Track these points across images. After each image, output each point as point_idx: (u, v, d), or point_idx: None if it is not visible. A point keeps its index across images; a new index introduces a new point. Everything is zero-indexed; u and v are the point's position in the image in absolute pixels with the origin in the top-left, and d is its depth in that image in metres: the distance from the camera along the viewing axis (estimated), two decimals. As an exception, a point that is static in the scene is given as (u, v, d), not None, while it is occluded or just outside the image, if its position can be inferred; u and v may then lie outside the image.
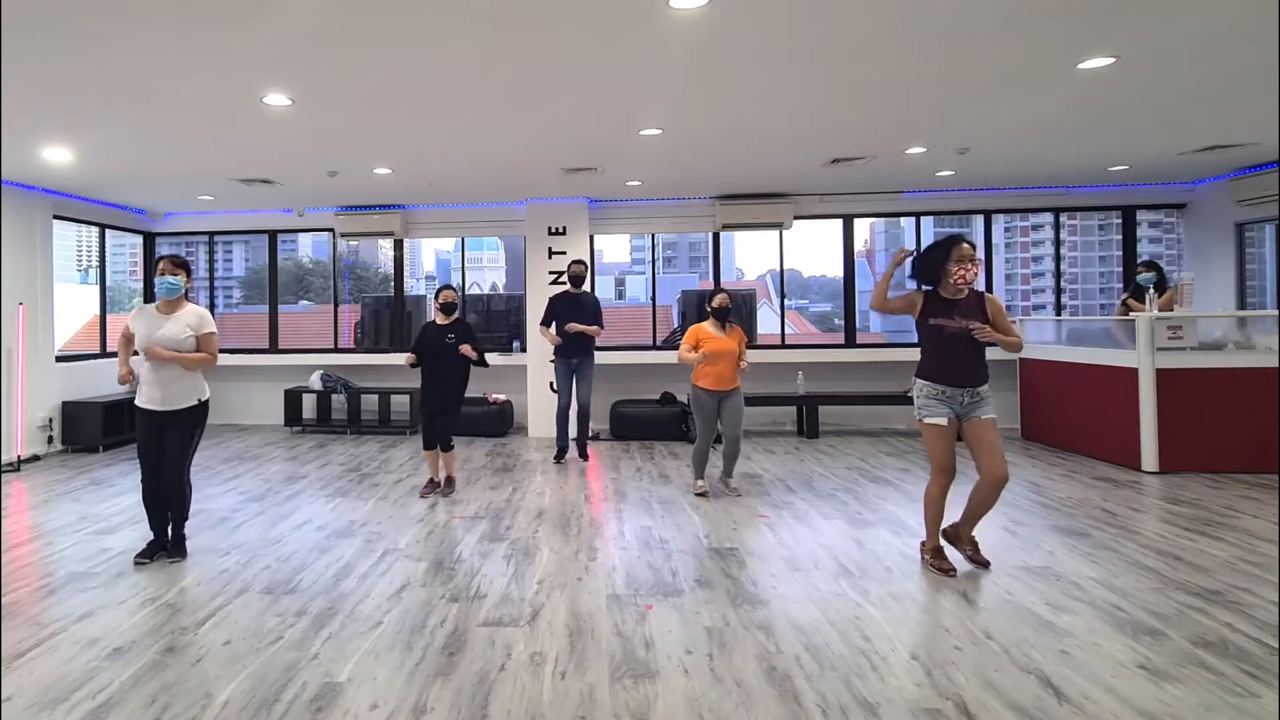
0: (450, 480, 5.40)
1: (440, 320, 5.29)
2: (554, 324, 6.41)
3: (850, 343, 8.39)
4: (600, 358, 7.93)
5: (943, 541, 3.78)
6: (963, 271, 3.52)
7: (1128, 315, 6.05)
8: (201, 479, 5.89)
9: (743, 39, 3.54)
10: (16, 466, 6.48)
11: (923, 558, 3.78)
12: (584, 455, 6.57)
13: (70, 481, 5.92)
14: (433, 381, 5.24)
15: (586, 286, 7.54)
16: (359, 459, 6.76)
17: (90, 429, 7.16)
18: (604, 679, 2.63)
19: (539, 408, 8.02)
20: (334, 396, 8.42)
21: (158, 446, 3.87)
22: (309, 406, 8.53)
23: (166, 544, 3.98)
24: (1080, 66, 3.96)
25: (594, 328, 6.36)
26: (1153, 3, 3.22)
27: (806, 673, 2.66)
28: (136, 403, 3.90)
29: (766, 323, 9.72)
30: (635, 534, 4.38)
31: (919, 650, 2.82)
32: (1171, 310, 5.92)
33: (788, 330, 8.95)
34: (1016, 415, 7.46)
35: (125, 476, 6.04)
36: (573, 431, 6.64)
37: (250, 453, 7.10)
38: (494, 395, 8.16)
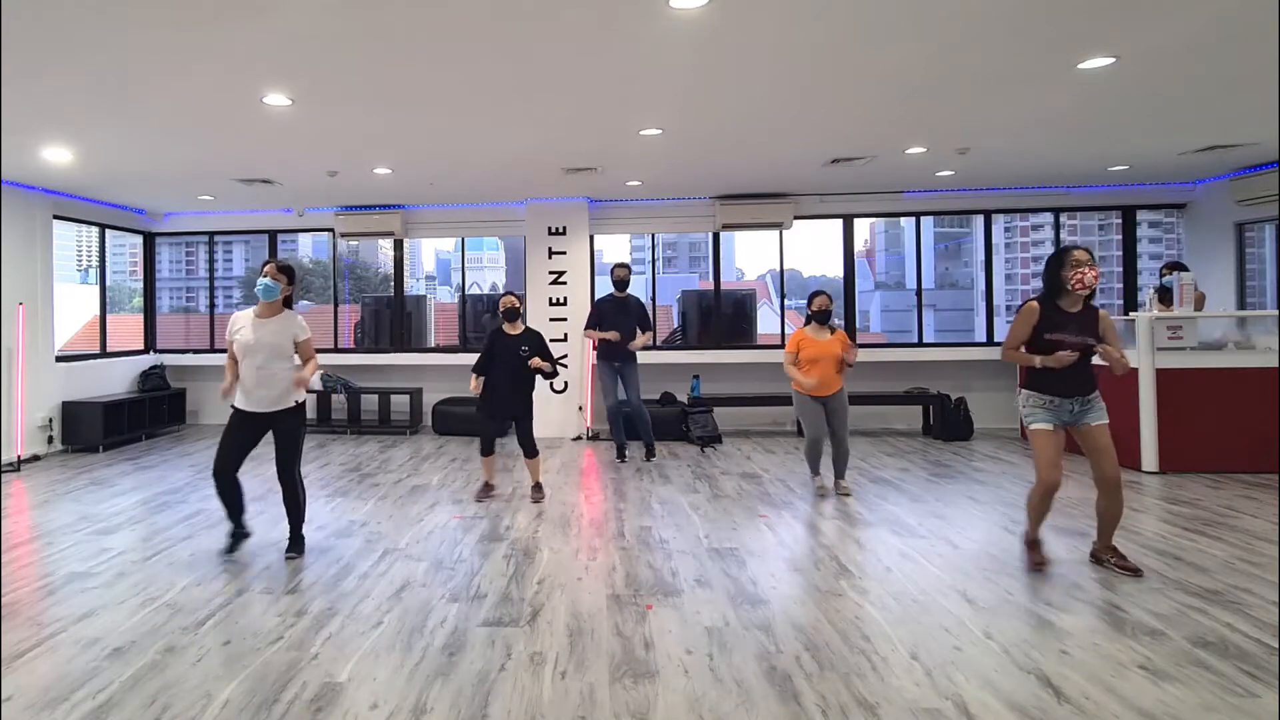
0: (538, 486, 5.26)
1: (509, 329, 5.13)
2: (599, 329, 6.43)
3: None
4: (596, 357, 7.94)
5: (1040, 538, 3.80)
6: (1081, 274, 3.49)
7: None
8: (202, 479, 5.90)
9: (743, 39, 3.54)
10: (16, 466, 6.48)
11: (1025, 549, 3.83)
12: (650, 454, 6.55)
13: (70, 481, 5.92)
14: (507, 390, 5.07)
15: (585, 288, 7.56)
16: (359, 459, 6.76)
17: (90, 429, 7.16)
18: (604, 679, 2.63)
19: (539, 408, 7.98)
20: (334, 396, 8.42)
21: (242, 446, 3.96)
22: (309, 406, 8.51)
23: (246, 533, 4.12)
24: (1080, 66, 3.96)
25: (643, 339, 6.34)
26: (1153, 3, 3.22)
27: (806, 673, 2.66)
28: (235, 404, 3.97)
29: (766, 323, 9.72)
30: (635, 534, 4.38)
31: (919, 650, 2.82)
32: (1202, 309, 5.92)
33: (788, 330, 8.94)
34: (1016, 415, 7.44)
35: (125, 476, 6.04)
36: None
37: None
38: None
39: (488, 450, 5.21)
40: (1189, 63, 3.98)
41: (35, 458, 6.86)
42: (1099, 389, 3.62)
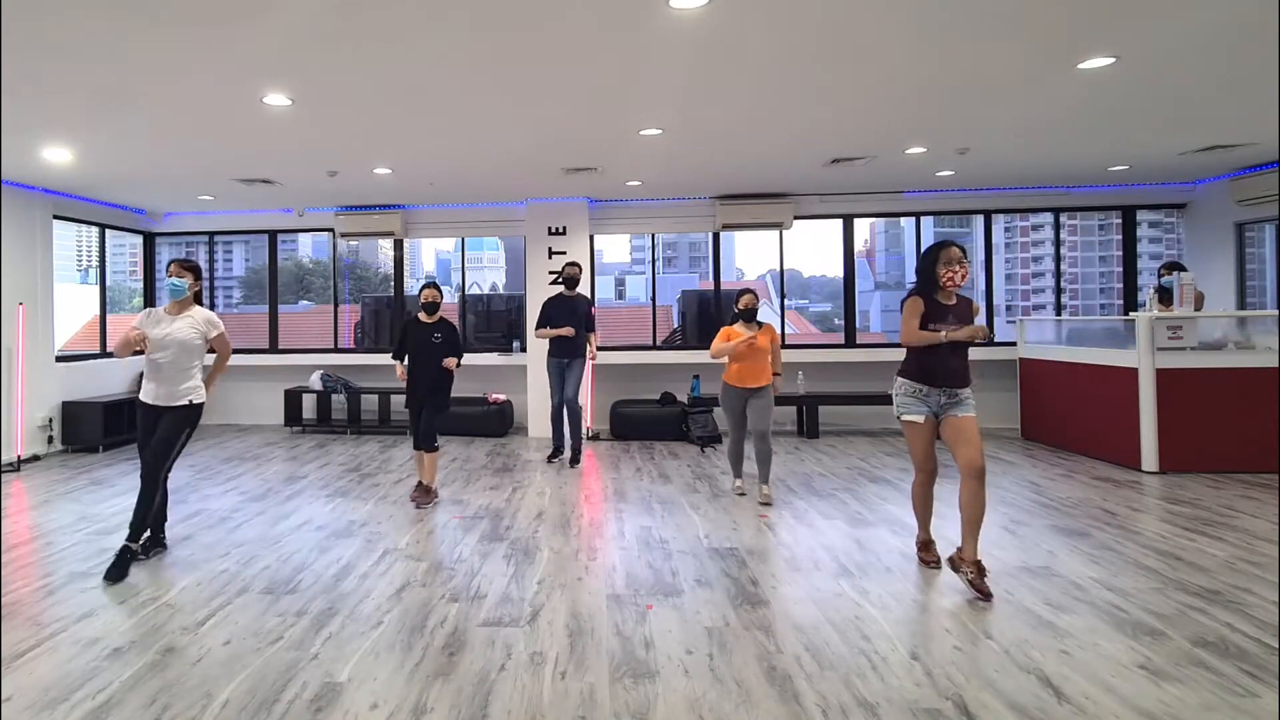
0: (424, 489, 5.08)
1: (424, 318, 5.15)
2: (547, 327, 6.42)
3: (850, 343, 8.39)
4: (601, 357, 7.94)
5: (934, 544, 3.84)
6: (951, 274, 3.57)
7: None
8: (202, 479, 5.90)
9: (743, 38, 3.54)
10: (16, 466, 6.48)
11: (918, 553, 3.87)
12: (575, 460, 6.35)
13: (70, 481, 5.92)
14: (419, 379, 5.10)
15: (584, 288, 7.55)
16: (359, 459, 6.76)
17: (90, 429, 7.16)
18: (604, 679, 2.63)
19: (539, 407, 8.01)
20: (334, 396, 8.42)
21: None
22: (309, 407, 8.53)
23: (163, 540, 4.10)
24: (1080, 66, 3.96)
25: (567, 329, 6.28)
26: (1153, 3, 3.22)
27: (806, 673, 2.66)
28: (139, 398, 4.00)
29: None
30: (635, 534, 4.38)
31: (919, 650, 2.82)
32: (1201, 308, 5.92)
33: (788, 330, 8.96)
34: (1016, 415, 7.46)
35: (125, 476, 6.04)
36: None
37: (250, 453, 7.10)
38: (494, 395, 8.15)
39: (417, 444, 5.11)
40: (1189, 63, 3.98)
41: (35, 458, 6.86)
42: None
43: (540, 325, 6.50)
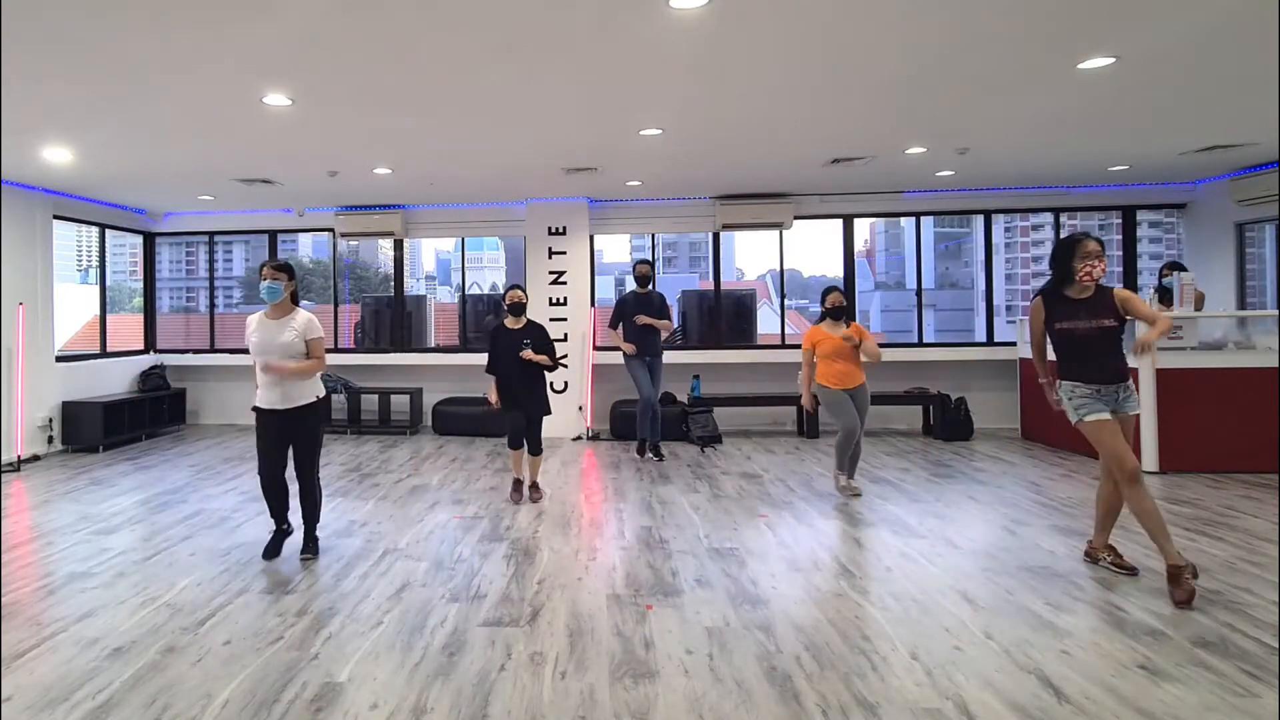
0: (536, 486, 5.26)
1: (510, 323, 5.09)
2: (622, 323, 6.48)
3: (850, 343, 8.38)
4: (599, 358, 7.96)
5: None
6: (1090, 267, 3.46)
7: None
8: (202, 479, 5.90)
9: (743, 39, 3.54)
10: (16, 466, 6.48)
11: (1097, 559, 3.69)
12: (658, 455, 6.55)
13: (70, 481, 5.92)
14: (518, 387, 5.04)
15: (584, 289, 7.56)
16: (359, 459, 6.76)
17: (90, 429, 7.16)
18: (604, 679, 2.63)
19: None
20: (334, 396, 8.40)
21: (276, 445, 3.93)
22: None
23: (288, 531, 4.11)
24: (1080, 66, 3.96)
25: (665, 322, 6.42)
26: (1153, 3, 3.22)
27: (806, 673, 2.66)
28: (255, 404, 3.96)
29: (767, 323, 9.71)
30: (635, 534, 4.38)
31: (919, 650, 2.82)
32: (1201, 308, 5.92)
33: (788, 330, 8.94)
34: (1017, 415, 7.46)
35: (125, 476, 6.04)
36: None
37: (250, 453, 7.09)
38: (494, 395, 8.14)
39: (514, 444, 5.14)
40: (1189, 63, 3.98)
41: (35, 458, 6.86)
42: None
43: (615, 320, 6.56)
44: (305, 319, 3.95)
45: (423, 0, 3.08)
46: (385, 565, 3.86)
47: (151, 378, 8.39)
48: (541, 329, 5.15)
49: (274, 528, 4.07)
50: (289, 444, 3.94)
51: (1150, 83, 4.29)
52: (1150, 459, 5.70)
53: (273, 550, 4.00)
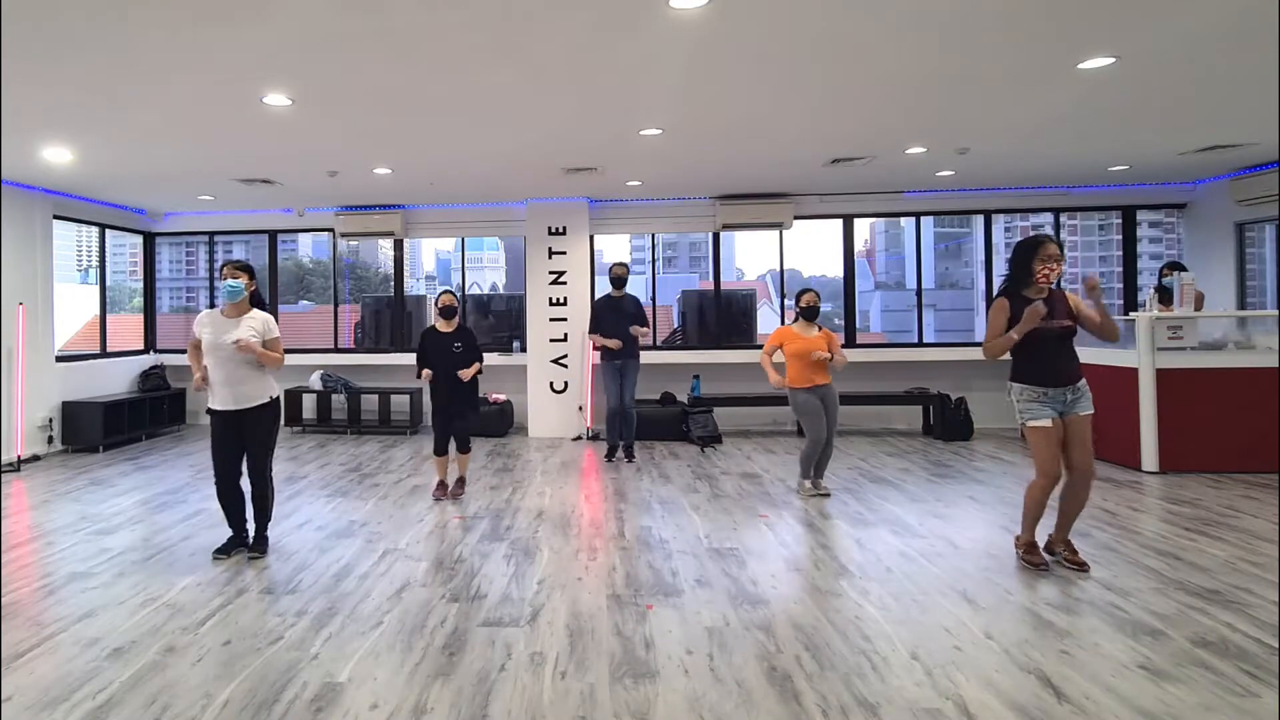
0: (461, 481, 5.39)
1: (441, 326, 5.21)
2: (598, 329, 6.47)
3: (850, 343, 8.38)
4: (599, 358, 7.93)
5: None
6: (1048, 270, 3.54)
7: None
8: (202, 479, 5.90)
9: (743, 39, 3.54)
10: (16, 466, 6.48)
11: (1017, 553, 3.81)
12: (629, 457, 6.56)
13: (70, 481, 5.92)
14: (446, 386, 5.14)
15: (584, 289, 7.55)
16: (359, 459, 6.76)
17: (90, 429, 7.16)
18: (604, 679, 2.63)
19: (539, 407, 8.03)
20: (334, 396, 8.42)
21: (231, 446, 3.95)
22: (309, 406, 8.52)
23: (246, 540, 4.08)
24: (1080, 66, 3.96)
25: (639, 328, 6.40)
26: (1153, 3, 3.22)
27: (806, 673, 2.66)
28: (209, 405, 3.97)
29: (767, 323, 9.70)
30: (635, 534, 4.38)
31: (919, 650, 2.82)
32: (1201, 308, 5.93)
33: (788, 330, 8.92)
34: (1016, 415, 7.45)
35: (125, 477, 6.04)
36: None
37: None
38: (494, 395, 8.15)
39: (439, 450, 5.24)
40: (1189, 63, 3.98)
41: (35, 458, 6.86)
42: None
43: (592, 329, 6.58)
44: (264, 318, 4.00)
45: (423, 0, 3.09)
46: (385, 565, 3.86)
47: (151, 378, 8.39)
48: (470, 333, 5.25)
49: (230, 535, 4.06)
50: (243, 445, 3.96)
51: (1150, 83, 4.30)
52: (1150, 459, 5.70)
53: (225, 550, 4.00)
